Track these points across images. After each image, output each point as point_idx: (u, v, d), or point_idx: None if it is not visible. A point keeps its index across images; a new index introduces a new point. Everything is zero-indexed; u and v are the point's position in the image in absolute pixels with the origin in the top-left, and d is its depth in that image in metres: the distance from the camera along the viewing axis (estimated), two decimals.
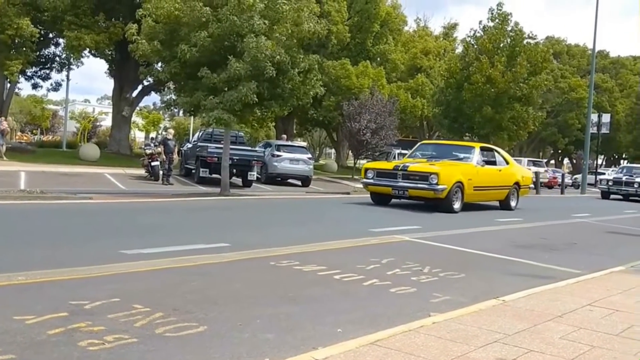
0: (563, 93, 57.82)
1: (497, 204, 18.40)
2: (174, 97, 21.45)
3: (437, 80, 40.39)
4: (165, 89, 32.09)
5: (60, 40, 30.67)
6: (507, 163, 18.66)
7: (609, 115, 46.43)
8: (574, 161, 71.66)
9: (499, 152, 18.84)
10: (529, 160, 43.26)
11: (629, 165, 38.75)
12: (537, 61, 32.24)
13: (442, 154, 17.42)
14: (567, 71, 60.41)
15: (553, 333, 4.69)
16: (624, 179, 30.13)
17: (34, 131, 65.63)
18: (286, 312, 5.00)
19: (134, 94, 32.86)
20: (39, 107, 65.99)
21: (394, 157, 30.75)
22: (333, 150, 63.91)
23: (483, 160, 17.14)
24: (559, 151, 70.06)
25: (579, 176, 43.81)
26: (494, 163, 17.82)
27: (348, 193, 22.22)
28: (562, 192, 35.03)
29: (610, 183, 30.62)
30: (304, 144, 43.59)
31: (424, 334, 4.41)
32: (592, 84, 41.24)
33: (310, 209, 15.93)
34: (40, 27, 27.46)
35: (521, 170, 19.93)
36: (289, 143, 27.87)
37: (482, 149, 17.83)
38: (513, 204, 18.29)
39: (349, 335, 4.38)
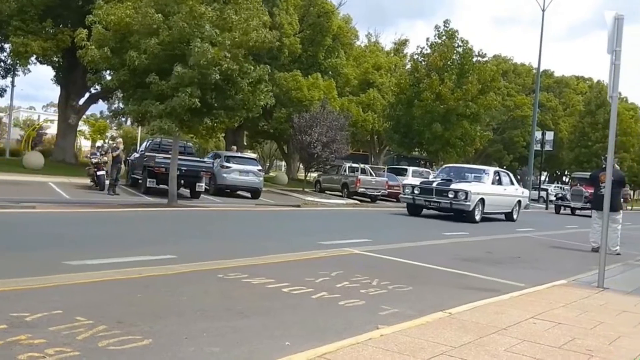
0: (509, 111, 59.27)
1: None
2: (122, 105, 21.13)
3: (388, 96, 40.90)
4: (113, 97, 31.55)
5: (6, 46, 29.89)
6: None
7: (552, 133, 47.87)
8: (519, 177, 73.40)
9: None
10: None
11: (455, 165, 26.20)
12: (486, 80, 32.95)
13: None
14: (513, 89, 61.98)
15: (498, 345, 4.76)
16: (434, 185, 20.39)
17: None
18: (233, 326, 4.95)
19: (81, 101, 32.25)
20: None
21: (345, 171, 30.92)
22: (284, 163, 63.92)
23: None
24: (504, 167, 71.60)
25: None
26: None
27: (298, 206, 22.23)
28: None
29: (416, 191, 20.45)
30: (254, 155, 43.45)
31: (372, 346, 4.42)
32: (537, 103, 42.47)
33: (260, 222, 15.85)
34: None
35: None
36: (239, 154, 27.71)
37: None
38: None
39: (297, 348, 4.36)
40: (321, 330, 5.01)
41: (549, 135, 44.92)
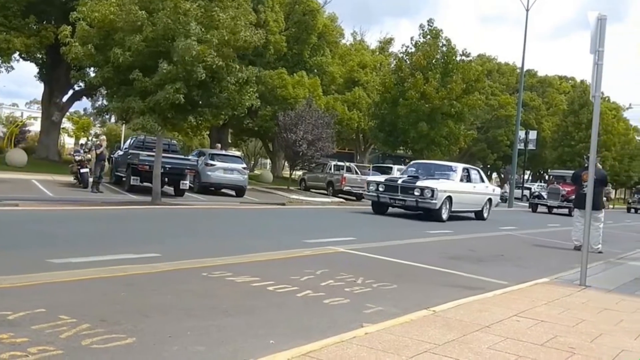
0: (493, 110, 59.59)
1: None
2: (105, 103, 20.97)
3: (373, 94, 40.99)
4: (97, 94, 31.31)
5: None
6: None
7: (535, 132, 48.27)
8: (502, 176, 73.89)
9: None
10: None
11: (424, 161, 24.44)
12: (470, 80, 33.06)
13: None
14: (497, 89, 62.31)
15: (481, 343, 4.80)
16: (399, 182, 19.31)
17: None
18: (218, 324, 4.94)
19: (65, 98, 32.00)
20: None
21: (330, 169, 30.92)
22: (268, 161, 63.86)
23: None
24: (488, 166, 72.02)
25: (506, 190, 45.18)
26: None
27: (283, 204, 22.21)
28: None
29: (380, 188, 19.48)
30: (239, 153, 43.34)
31: (357, 344, 4.44)
32: (520, 102, 42.70)
33: (244, 220, 15.82)
34: None
35: None
36: (224, 152, 27.64)
37: None
38: None
39: (281, 347, 4.36)
40: (306, 329, 5.02)
41: (532, 135, 45.32)
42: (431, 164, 22.76)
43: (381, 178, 20.78)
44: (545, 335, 5.25)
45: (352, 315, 5.66)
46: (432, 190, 18.28)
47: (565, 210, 32.46)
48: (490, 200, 22.18)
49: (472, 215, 21.65)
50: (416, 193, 18.45)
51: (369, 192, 20.01)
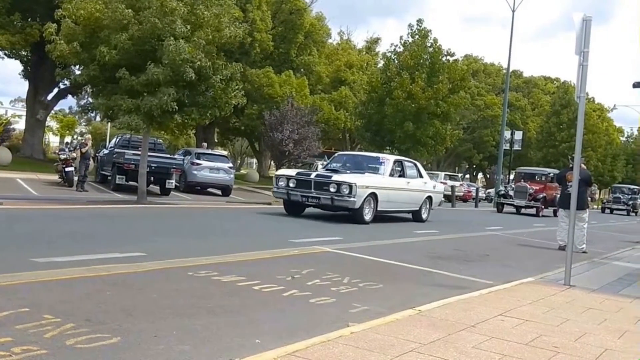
0: (479, 110, 59.88)
1: None
2: (91, 100, 20.86)
3: (360, 94, 41.03)
4: (83, 92, 31.14)
5: None
6: None
7: (521, 132, 48.51)
8: (488, 176, 74.29)
9: None
10: (445, 174, 44.45)
11: (351, 153, 22.84)
12: (456, 79, 33.17)
13: None
14: (483, 89, 62.63)
15: (466, 342, 4.82)
16: (312, 176, 16.25)
17: None
18: (204, 323, 4.92)
19: (50, 96, 31.77)
20: None
21: (316, 169, 30.88)
22: (255, 160, 63.75)
23: None
24: (474, 166, 72.47)
25: (492, 190, 45.43)
26: None
27: (269, 203, 22.14)
28: (476, 206, 36.13)
29: (291, 184, 16.19)
30: (225, 152, 43.24)
31: (342, 344, 4.44)
32: (506, 102, 42.91)
33: (230, 219, 15.79)
34: None
35: None
36: (210, 151, 27.56)
37: None
38: None
39: (267, 346, 4.35)
40: (291, 328, 5.02)
41: (518, 135, 45.55)
42: (359, 155, 19.98)
43: (292, 172, 17.33)
44: (530, 335, 5.28)
45: (338, 314, 5.66)
46: (350, 186, 15.22)
47: (533, 210, 30.79)
48: (430, 198, 19.08)
49: (409, 215, 18.82)
50: (332, 189, 15.39)
51: (277, 188, 16.58)
